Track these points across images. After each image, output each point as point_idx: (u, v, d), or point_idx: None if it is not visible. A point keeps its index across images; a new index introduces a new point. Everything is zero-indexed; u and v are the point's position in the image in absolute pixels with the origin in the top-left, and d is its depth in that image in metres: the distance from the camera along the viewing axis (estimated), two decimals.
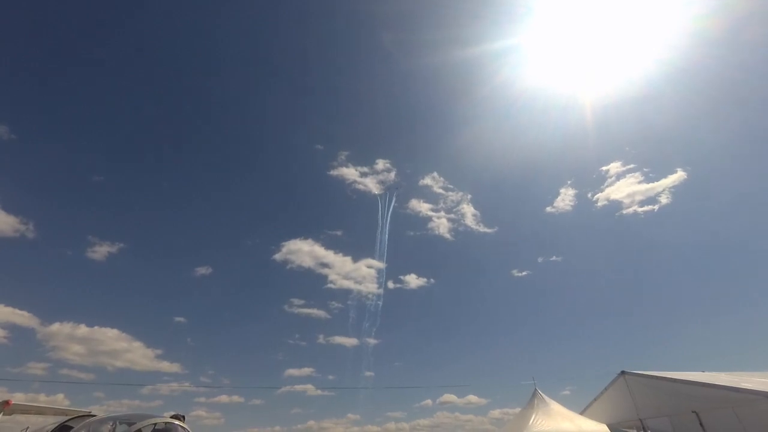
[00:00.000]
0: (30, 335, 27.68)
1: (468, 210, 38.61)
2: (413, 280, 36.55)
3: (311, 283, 36.17)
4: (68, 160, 35.26)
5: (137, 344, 29.26)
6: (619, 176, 36.75)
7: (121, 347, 28.97)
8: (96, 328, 28.89)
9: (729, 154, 36.49)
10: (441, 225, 38.10)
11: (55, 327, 28.18)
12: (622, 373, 16.01)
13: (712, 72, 34.31)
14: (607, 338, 35.61)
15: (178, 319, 32.48)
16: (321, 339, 33.70)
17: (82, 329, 28.54)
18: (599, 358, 33.72)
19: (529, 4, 34.55)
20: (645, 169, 36.07)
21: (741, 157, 35.95)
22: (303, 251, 35.32)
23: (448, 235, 38.33)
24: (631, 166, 36.53)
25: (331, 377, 32.99)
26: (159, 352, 29.83)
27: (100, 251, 31.43)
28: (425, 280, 36.77)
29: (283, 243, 35.64)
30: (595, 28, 35.74)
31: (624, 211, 36.22)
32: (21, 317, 27.34)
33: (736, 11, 29.86)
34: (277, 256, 35.42)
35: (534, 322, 38.67)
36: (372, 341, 33.84)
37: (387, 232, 35.14)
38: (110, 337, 28.97)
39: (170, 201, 38.92)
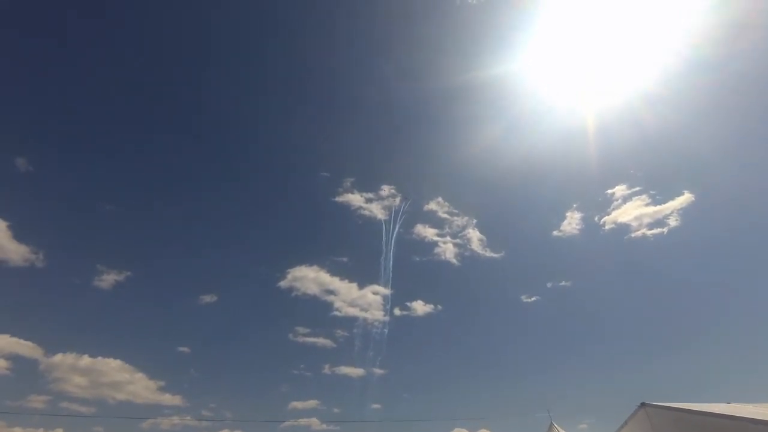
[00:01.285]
0: (33, 366, 27.43)
1: (474, 235, 38.28)
2: (420, 307, 35.82)
3: (316, 310, 35.62)
4: (82, 190, 36.13)
5: (139, 375, 28.74)
6: (626, 199, 36.41)
7: (124, 379, 28.46)
8: (99, 358, 28.56)
9: (735, 175, 36.08)
10: (447, 250, 37.70)
11: (58, 358, 27.93)
12: (643, 405, 15.14)
13: (712, 93, 34.56)
14: (624, 367, 34.11)
15: (181, 349, 32.00)
16: (326, 369, 32.80)
17: (85, 360, 28.24)
18: (617, 388, 32.19)
19: (530, 29, 35.57)
20: (651, 192, 35.74)
21: (747, 176, 35.51)
22: (308, 278, 35.02)
23: (454, 260, 37.85)
24: (637, 188, 36.23)
25: (336, 410, 31.86)
26: (161, 383, 29.21)
27: (108, 279, 31.54)
28: (432, 306, 36.02)
29: (289, 270, 35.43)
30: (595, 53, 36.55)
31: (633, 235, 35.61)
32: (25, 348, 27.21)
33: (735, 33, 30.34)
34: (283, 284, 35.14)
35: (547, 350, 37.32)
36: (379, 371, 32.84)
37: (392, 258, 34.80)
38: (113, 368, 28.55)
39: (178, 228, 39.29)
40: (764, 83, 32.76)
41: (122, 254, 34.92)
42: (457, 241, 38.13)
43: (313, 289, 34.74)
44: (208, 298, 34.37)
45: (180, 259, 37.96)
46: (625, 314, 37.40)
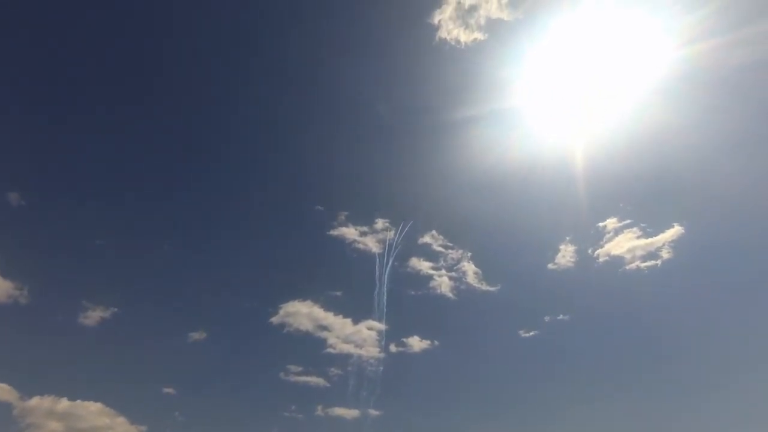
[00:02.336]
0: (6, 411, 25.47)
1: (469, 268, 38.10)
2: (416, 343, 34.81)
3: (309, 347, 34.38)
4: (76, 224, 35.26)
5: (120, 420, 26.98)
6: (617, 231, 36.92)
7: (103, 424, 26.64)
8: (78, 401, 26.83)
9: (722, 206, 36.94)
10: (443, 283, 37.31)
11: (35, 401, 26.14)
12: None
13: (693, 129, 36.08)
14: (629, 403, 32.87)
15: (166, 390, 30.41)
16: (319, 410, 31.18)
17: (64, 403, 26.52)
18: (626, 428, 30.97)
19: (519, 68, 37.18)
20: (642, 224, 36.30)
21: (733, 207, 36.40)
22: (301, 313, 34.17)
23: (450, 294, 37.34)
24: (628, 221, 36.82)
25: None
26: (143, 428, 27.37)
27: (93, 316, 30.41)
28: (429, 342, 35.03)
29: (281, 305, 34.51)
30: (580, 92, 38.15)
31: (627, 267, 35.80)
32: (1, 391, 25.70)
33: (717, 72, 32.35)
34: (275, 319, 34.17)
35: (548, 388, 35.81)
36: (374, 413, 31.27)
37: (385, 293, 34.30)
38: (92, 411, 26.81)
39: (170, 262, 38.31)
40: (747, 117, 34.35)
41: (110, 290, 33.73)
42: (453, 274, 37.86)
43: (306, 325, 33.84)
44: (196, 336, 33.18)
45: (170, 293, 36.89)
46: (627, 350, 36.45)
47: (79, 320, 30.41)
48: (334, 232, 37.83)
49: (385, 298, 34.43)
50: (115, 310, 31.37)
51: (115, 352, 32.23)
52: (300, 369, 32.54)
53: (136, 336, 33.47)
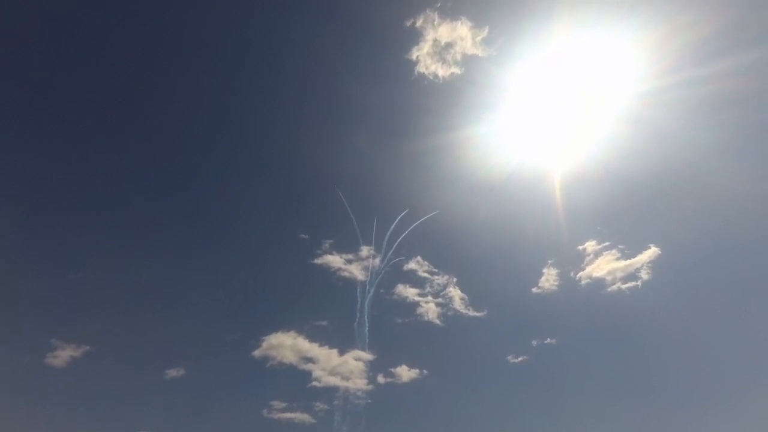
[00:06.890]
0: None
1: (455, 293, 38.11)
2: (405, 373, 33.94)
3: (294, 381, 32.99)
4: (50, 258, 34.18)
5: None
6: (597, 254, 37.94)
7: None
8: None
9: (696, 227, 38.55)
10: (430, 310, 37.03)
11: None
12: None
13: (665, 153, 38.34)
14: (619, 423, 32.63)
15: None
16: None
17: None
18: None
19: (495, 98, 39.36)
20: (620, 246, 37.41)
21: (706, 228, 38.08)
22: (285, 345, 33.00)
23: (437, 321, 37.03)
24: (606, 243, 37.96)
25: None
26: None
27: (62, 356, 28.79)
28: (418, 371, 34.22)
29: (264, 337, 33.35)
30: (556, 117, 40.47)
31: (609, 289, 36.57)
32: None
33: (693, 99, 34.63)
34: (257, 353, 32.88)
35: (539, 413, 35.15)
36: None
37: (366, 323, 33.79)
38: None
39: (146, 296, 36.89)
40: (718, 141, 36.37)
41: (82, 326, 31.99)
42: (439, 300, 37.69)
43: (290, 358, 32.60)
44: (174, 372, 31.53)
45: (146, 328, 35.06)
46: (614, 371, 36.37)
47: (46, 360, 28.81)
48: (319, 261, 37.48)
49: (366, 328, 33.79)
50: (87, 348, 29.86)
51: (85, 394, 30.28)
52: (284, 405, 31.09)
53: (108, 375, 31.52)
